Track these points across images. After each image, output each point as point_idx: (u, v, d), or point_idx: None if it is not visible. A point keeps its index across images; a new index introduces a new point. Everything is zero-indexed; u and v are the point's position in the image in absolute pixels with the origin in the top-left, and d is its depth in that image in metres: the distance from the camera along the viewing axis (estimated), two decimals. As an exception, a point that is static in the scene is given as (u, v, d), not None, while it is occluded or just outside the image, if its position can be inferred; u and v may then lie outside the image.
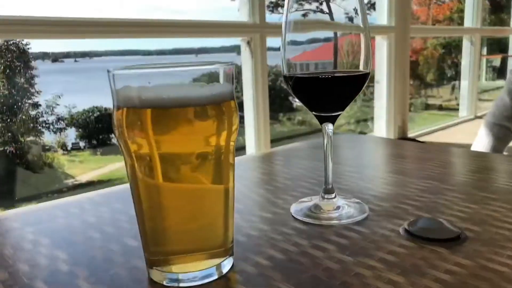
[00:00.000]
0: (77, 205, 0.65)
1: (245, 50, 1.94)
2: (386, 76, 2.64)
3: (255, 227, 0.52)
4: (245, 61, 1.94)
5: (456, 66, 7.66)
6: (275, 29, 2.19)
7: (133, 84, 0.38)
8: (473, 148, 1.59)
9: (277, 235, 0.49)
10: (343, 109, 0.53)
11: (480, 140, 1.61)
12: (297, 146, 0.98)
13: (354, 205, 0.57)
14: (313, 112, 0.54)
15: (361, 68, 0.51)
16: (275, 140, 3.21)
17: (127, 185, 0.44)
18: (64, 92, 7.13)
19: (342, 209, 0.55)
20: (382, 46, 2.69)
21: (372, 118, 3.01)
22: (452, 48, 7.72)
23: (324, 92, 0.51)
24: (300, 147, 0.97)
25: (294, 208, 0.57)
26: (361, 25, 0.51)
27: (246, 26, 1.87)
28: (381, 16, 2.70)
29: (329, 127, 0.53)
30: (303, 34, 0.52)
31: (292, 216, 0.55)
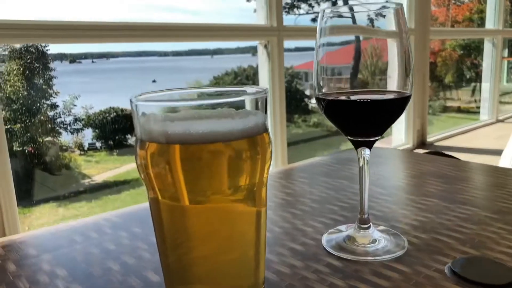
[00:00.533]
0: (96, 228, 0.62)
1: (262, 53, 1.90)
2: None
3: (286, 262, 0.49)
4: (262, 64, 1.91)
5: (476, 67, 7.50)
6: (293, 32, 2.14)
7: (158, 116, 0.35)
8: (505, 155, 1.52)
9: (310, 274, 0.46)
10: (381, 134, 0.49)
11: None
12: (320, 161, 0.94)
13: (391, 237, 0.53)
14: (348, 137, 0.50)
15: (396, 86, 0.47)
16: (291, 144, 3.16)
17: (145, 205, 0.40)
18: (81, 92, 7.18)
19: (379, 243, 0.51)
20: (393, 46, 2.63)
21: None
22: (472, 49, 7.57)
23: (360, 117, 0.47)
24: (324, 162, 0.93)
25: (326, 239, 0.53)
26: (396, 30, 0.46)
27: (263, 29, 1.84)
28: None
29: (365, 152, 0.49)
30: (336, 37, 0.49)
31: (324, 248, 0.51)
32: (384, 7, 0.46)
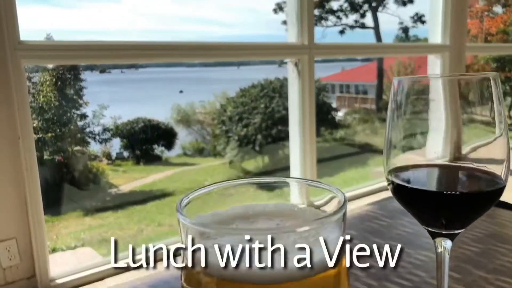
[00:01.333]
0: None
1: (292, 71, 1.87)
2: (442, 96, 2.51)
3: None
4: (292, 82, 1.88)
5: (510, 81, 7.27)
6: (324, 49, 2.10)
7: (209, 242, 0.28)
8: None
9: None
10: (465, 227, 0.42)
11: None
12: (365, 212, 0.85)
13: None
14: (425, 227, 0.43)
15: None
16: (319, 160, 3.10)
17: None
18: (110, 102, 7.34)
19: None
20: (435, 64, 2.56)
21: (422, 133, 2.86)
22: (506, 62, 7.34)
23: (443, 210, 0.39)
24: (370, 214, 0.83)
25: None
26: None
27: (294, 47, 1.81)
28: (435, 33, 2.57)
29: (447, 243, 0.40)
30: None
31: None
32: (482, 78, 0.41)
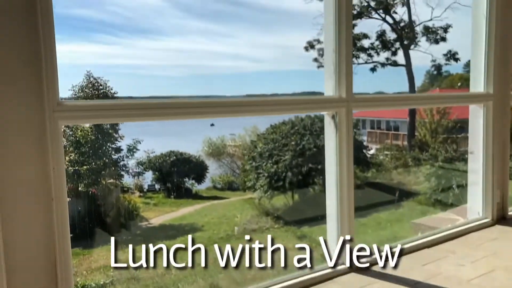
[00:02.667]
0: None
1: (329, 124, 1.83)
2: (482, 147, 2.38)
3: None
4: (329, 135, 1.83)
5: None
6: (363, 102, 2.05)
7: None
8: None
9: None
10: None
11: None
12: None
13: None
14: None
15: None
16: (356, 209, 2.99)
17: None
18: (144, 135, 7.48)
19: None
20: (477, 114, 2.45)
21: (459, 186, 2.72)
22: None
23: None
24: None
25: None
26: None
27: (332, 101, 1.77)
28: (477, 82, 2.47)
29: None
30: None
31: None
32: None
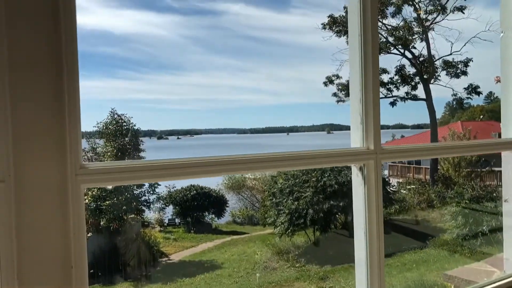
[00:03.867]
0: None
1: (356, 176, 1.76)
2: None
3: None
4: (356, 188, 1.76)
5: None
6: (391, 154, 1.98)
7: None
8: None
9: None
10: None
11: None
12: None
13: None
14: None
15: None
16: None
17: None
18: (165, 170, 7.50)
19: None
20: (510, 160, 2.34)
21: (490, 231, 2.57)
22: None
23: None
24: None
25: None
26: None
27: (359, 153, 1.71)
28: (508, 127, 2.37)
29: None
30: None
31: None
32: None
